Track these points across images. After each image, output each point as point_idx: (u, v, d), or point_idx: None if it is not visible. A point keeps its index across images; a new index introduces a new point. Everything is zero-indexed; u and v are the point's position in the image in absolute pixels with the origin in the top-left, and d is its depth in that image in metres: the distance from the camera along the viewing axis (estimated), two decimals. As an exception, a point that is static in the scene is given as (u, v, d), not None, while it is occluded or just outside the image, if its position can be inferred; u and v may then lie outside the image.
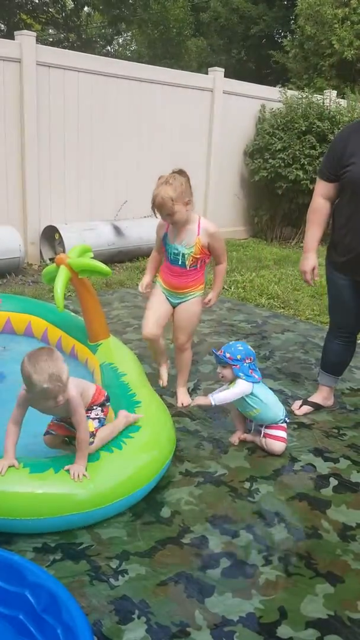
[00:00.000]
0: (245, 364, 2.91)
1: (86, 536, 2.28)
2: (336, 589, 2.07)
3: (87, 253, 3.59)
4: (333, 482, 2.74)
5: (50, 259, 7.10)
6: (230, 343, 3.03)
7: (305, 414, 3.40)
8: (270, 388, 3.18)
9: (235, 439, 3.04)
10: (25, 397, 2.34)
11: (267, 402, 2.91)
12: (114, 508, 2.35)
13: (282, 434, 2.94)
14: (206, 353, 4.31)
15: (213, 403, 2.85)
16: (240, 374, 2.89)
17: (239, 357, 2.90)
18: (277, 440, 2.92)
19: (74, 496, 2.26)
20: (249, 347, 3.01)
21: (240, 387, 2.87)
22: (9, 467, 2.28)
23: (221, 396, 2.88)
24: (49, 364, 2.22)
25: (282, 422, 2.96)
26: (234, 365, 2.89)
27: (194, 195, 3.30)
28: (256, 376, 2.93)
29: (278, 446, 2.92)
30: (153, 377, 3.77)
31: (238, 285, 6.44)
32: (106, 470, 2.39)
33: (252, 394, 2.89)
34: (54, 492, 2.25)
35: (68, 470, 2.31)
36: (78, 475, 2.28)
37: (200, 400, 2.95)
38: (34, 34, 6.71)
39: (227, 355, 2.91)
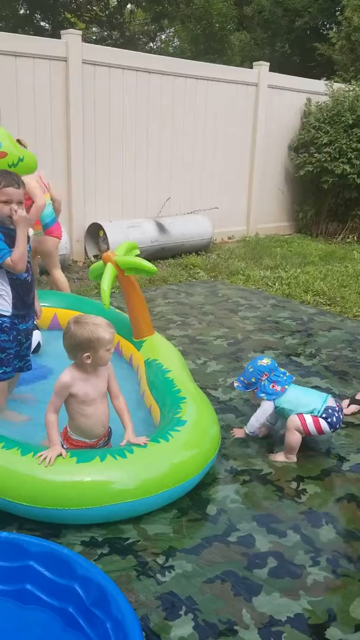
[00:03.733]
0: (262, 382, 2.92)
1: (133, 531, 2.30)
2: (386, 593, 2.03)
3: (133, 250, 3.61)
4: (382, 483, 2.68)
5: (95, 256, 7.18)
6: (246, 367, 3.05)
7: (353, 413, 3.33)
8: (317, 387, 3.14)
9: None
10: (74, 375, 2.49)
11: (299, 403, 2.86)
12: (159, 499, 2.36)
13: (308, 419, 2.81)
14: (250, 350, 4.28)
15: (248, 432, 2.98)
16: (262, 395, 2.92)
17: (253, 379, 2.95)
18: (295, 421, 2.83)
19: (120, 485, 2.29)
20: (262, 361, 2.99)
21: (264, 408, 2.94)
22: (57, 456, 2.33)
23: (252, 423, 2.96)
24: (95, 318, 2.52)
25: (317, 414, 2.82)
26: (254, 389, 2.96)
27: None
28: (278, 388, 2.90)
29: (293, 423, 2.82)
30: (197, 374, 3.77)
31: (282, 281, 6.37)
32: (152, 461, 2.40)
33: (278, 405, 2.89)
34: (102, 480, 2.28)
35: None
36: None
37: (238, 432, 3.05)
38: (80, 32, 6.79)
39: (245, 382, 2.99)
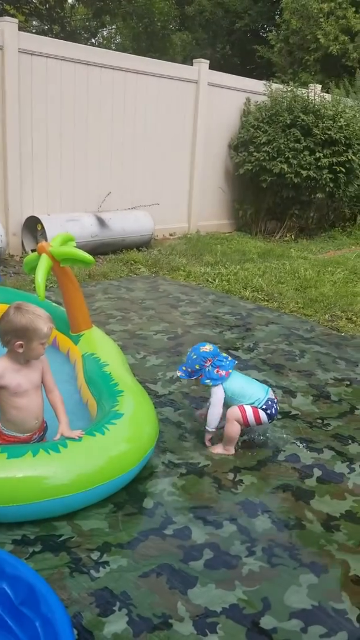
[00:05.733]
0: (207, 368, 2.90)
1: (66, 528, 2.23)
2: (320, 579, 2.05)
3: (69, 242, 3.52)
4: (317, 472, 2.72)
5: (32, 250, 7.00)
6: (187, 355, 3.02)
7: None
8: (255, 379, 3.15)
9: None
10: (5, 365, 2.44)
11: (244, 394, 2.86)
12: (94, 494, 2.31)
13: (248, 410, 2.80)
14: (190, 344, 4.26)
15: (210, 429, 2.89)
16: (207, 381, 2.89)
17: (197, 367, 2.92)
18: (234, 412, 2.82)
19: (53, 480, 2.21)
20: (205, 347, 2.96)
21: (216, 395, 2.88)
22: None
23: (211, 420, 2.87)
24: (37, 309, 2.45)
25: (259, 405, 2.83)
26: (198, 377, 2.92)
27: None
28: (223, 372, 2.88)
29: (233, 414, 2.81)
30: (136, 368, 3.73)
31: (222, 278, 6.41)
32: (87, 454, 2.34)
33: (226, 391, 2.87)
34: (33, 475, 2.20)
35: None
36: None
37: (215, 449, 2.88)
38: (16, 20, 6.59)
39: (189, 370, 2.94)
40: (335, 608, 1.93)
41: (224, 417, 2.87)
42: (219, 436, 2.90)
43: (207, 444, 2.90)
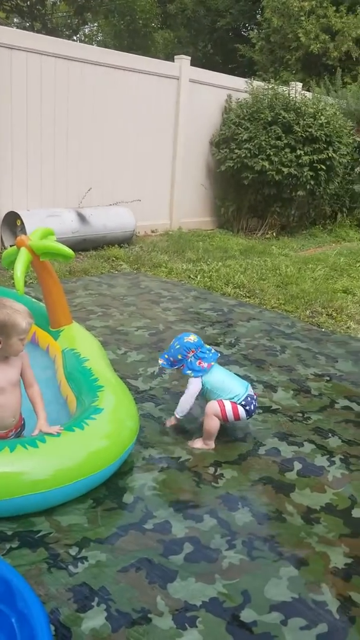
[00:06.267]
0: (189, 359, 2.88)
1: (45, 524, 2.20)
2: (300, 572, 2.04)
3: (49, 236, 3.48)
4: (297, 465, 2.72)
5: (11, 246, 6.93)
6: (171, 344, 3.00)
7: None
8: (236, 374, 3.14)
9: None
10: None
11: (224, 388, 2.85)
12: (73, 489, 2.28)
13: (227, 405, 2.79)
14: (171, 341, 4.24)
15: (179, 416, 2.89)
16: (188, 372, 2.88)
17: (179, 356, 2.90)
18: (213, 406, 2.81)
19: (31, 475, 2.18)
20: (189, 338, 2.94)
21: (193, 386, 2.87)
22: None
23: (181, 407, 2.88)
24: (16, 304, 2.42)
25: (238, 401, 2.81)
26: (180, 366, 2.91)
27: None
28: (205, 365, 2.87)
29: (212, 408, 2.80)
30: (117, 364, 3.70)
31: (204, 274, 6.40)
32: (66, 449, 2.31)
33: (206, 384, 2.85)
34: (11, 471, 2.16)
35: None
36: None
37: (170, 422, 2.94)
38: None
39: (171, 359, 2.92)
40: (315, 600, 1.92)
41: (196, 410, 2.87)
42: (200, 432, 2.88)
43: (168, 424, 2.94)
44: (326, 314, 5.20)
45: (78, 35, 26.30)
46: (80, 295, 5.29)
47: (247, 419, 2.89)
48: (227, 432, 2.94)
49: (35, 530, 2.16)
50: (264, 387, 3.56)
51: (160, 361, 2.98)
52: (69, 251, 3.26)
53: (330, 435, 3.03)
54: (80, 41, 25.26)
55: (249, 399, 2.83)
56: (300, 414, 3.24)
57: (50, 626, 1.56)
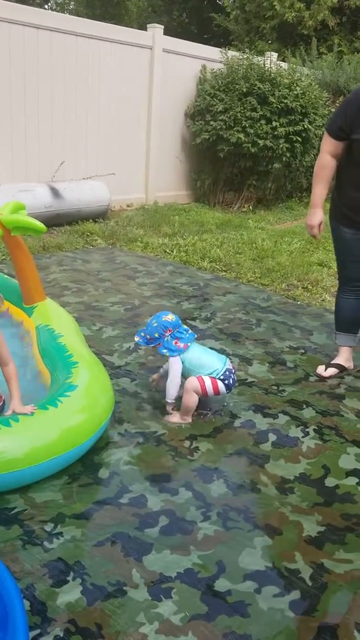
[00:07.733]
0: (166, 338, 2.86)
1: (19, 501, 2.19)
2: (274, 541, 2.07)
3: (20, 210, 3.40)
4: (272, 437, 2.74)
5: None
6: (148, 322, 2.97)
7: (331, 376, 3.41)
8: (212, 348, 3.15)
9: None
10: None
11: (201, 364, 2.85)
12: (48, 467, 2.27)
13: (207, 381, 2.80)
14: (147, 315, 4.23)
15: (170, 400, 2.86)
16: (164, 351, 2.86)
17: (156, 335, 2.88)
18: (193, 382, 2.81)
19: (4, 454, 2.16)
20: (167, 317, 2.93)
21: (174, 367, 2.85)
22: None
23: (170, 391, 2.84)
24: None
25: (217, 376, 2.82)
26: (156, 345, 2.88)
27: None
28: (181, 345, 2.86)
29: (192, 384, 2.80)
30: (92, 340, 3.68)
31: (180, 249, 6.36)
32: (40, 428, 2.30)
33: (184, 362, 2.85)
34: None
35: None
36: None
37: (173, 419, 2.86)
38: None
39: (147, 337, 2.90)
40: (288, 568, 1.96)
41: (181, 387, 2.86)
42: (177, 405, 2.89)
43: (171, 412, 2.88)
44: (302, 287, 5.21)
45: (49, 4, 25.55)
46: (55, 271, 5.23)
47: (227, 392, 2.89)
48: (204, 406, 2.94)
49: (9, 507, 2.16)
50: (239, 360, 3.57)
51: (137, 338, 2.95)
52: (40, 225, 3.20)
53: (304, 406, 3.06)
54: (52, 10, 24.54)
55: (227, 372, 2.84)
56: (275, 387, 3.26)
57: (23, 602, 1.56)
